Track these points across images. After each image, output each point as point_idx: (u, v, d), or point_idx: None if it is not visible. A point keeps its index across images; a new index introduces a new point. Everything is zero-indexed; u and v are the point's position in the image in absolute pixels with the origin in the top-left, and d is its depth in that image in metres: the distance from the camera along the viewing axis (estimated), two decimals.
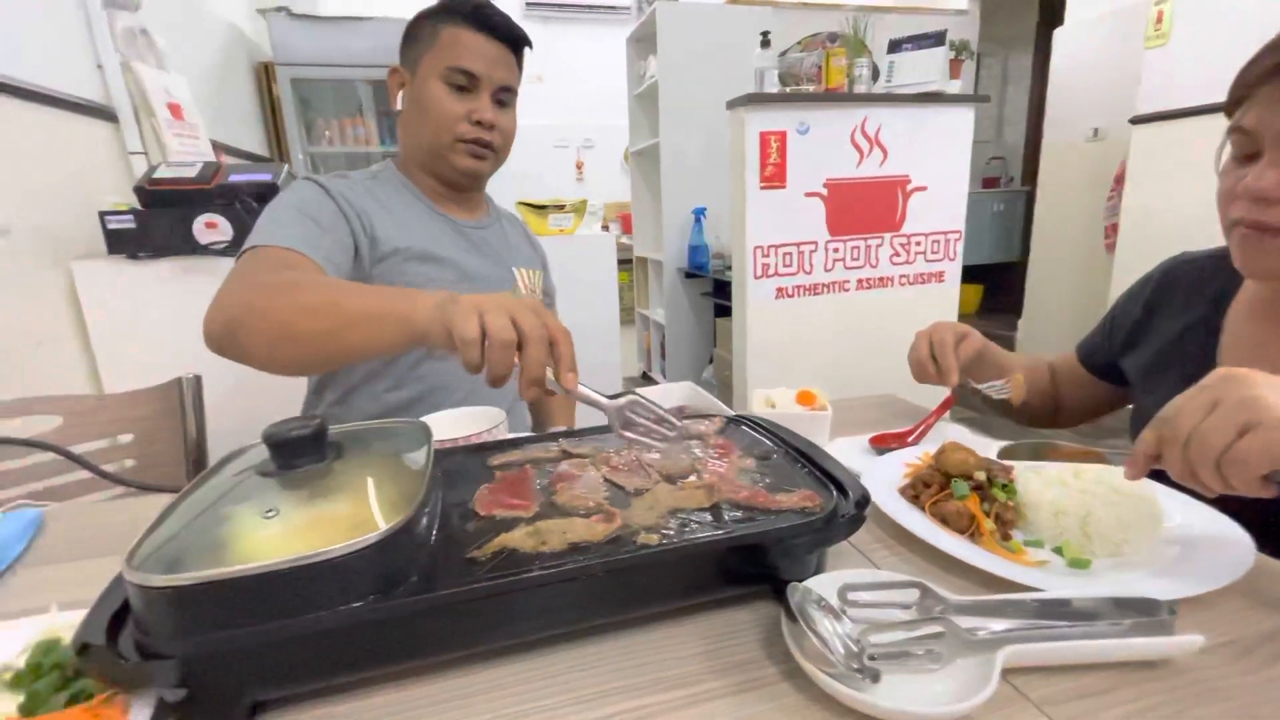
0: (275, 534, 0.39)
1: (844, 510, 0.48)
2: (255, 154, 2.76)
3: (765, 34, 2.08)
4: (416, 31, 0.93)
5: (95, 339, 1.45)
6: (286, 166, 1.57)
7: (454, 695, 0.41)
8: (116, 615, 0.39)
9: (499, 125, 0.95)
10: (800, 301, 2.18)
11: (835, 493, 0.50)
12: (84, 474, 0.91)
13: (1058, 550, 0.54)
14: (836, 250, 2.19)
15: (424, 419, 0.77)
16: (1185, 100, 2.51)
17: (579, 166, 5.29)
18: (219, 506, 0.42)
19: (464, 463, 0.61)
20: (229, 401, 1.14)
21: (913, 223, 2.25)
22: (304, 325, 0.62)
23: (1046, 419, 0.97)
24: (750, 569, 0.47)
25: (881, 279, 2.26)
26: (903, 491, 0.64)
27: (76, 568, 0.61)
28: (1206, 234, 0.74)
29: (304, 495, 0.43)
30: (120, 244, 1.41)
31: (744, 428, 0.66)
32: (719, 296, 3.23)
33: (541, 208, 1.88)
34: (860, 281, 2.24)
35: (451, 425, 0.74)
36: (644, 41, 3.34)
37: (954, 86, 2.20)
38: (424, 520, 0.44)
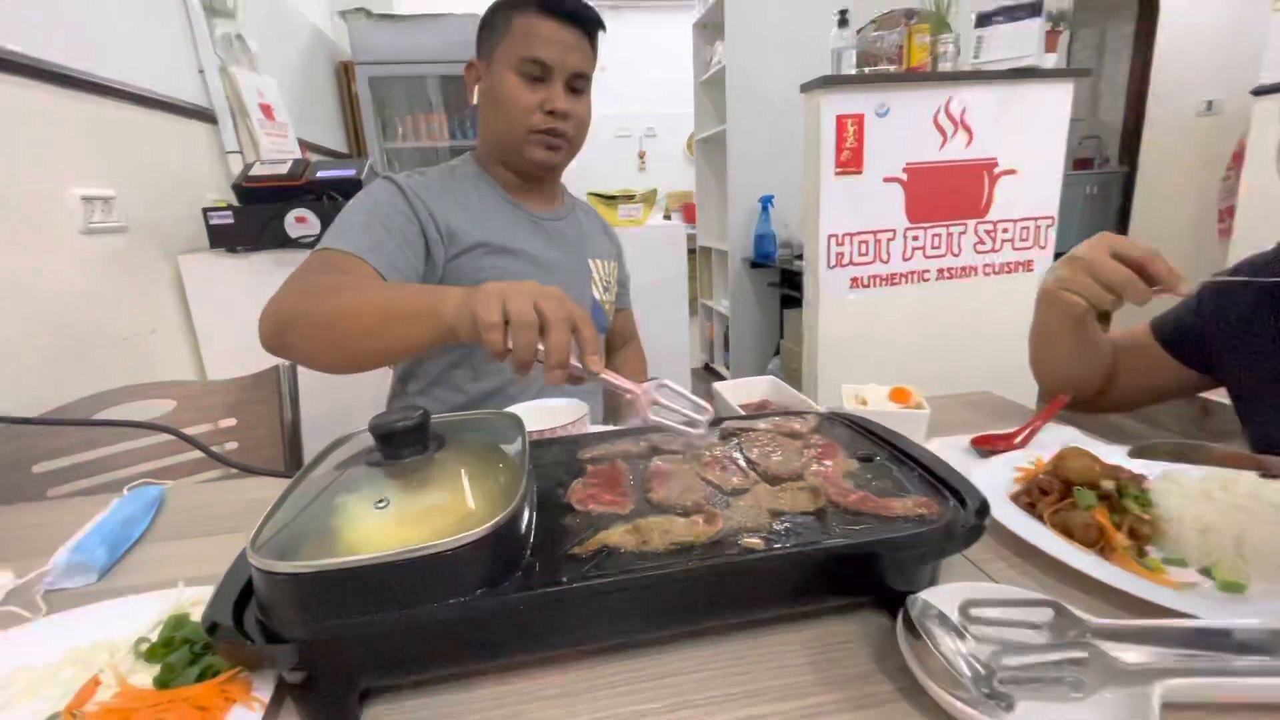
0: (388, 524, 0.39)
1: (963, 519, 0.45)
2: (336, 151, 2.89)
3: (843, 13, 1.99)
4: (490, 23, 0.93)
5: (199, 326, 1.56)
6: (369, 161, 1.63)
7: (557, 692, 0.40)
8: (240, 595, 0.40)
9: (573, 114, 0.93)
10: (876, 292, 2.09)
11: (952, 499, 0.47)
12: (193, 455, 0.98)
13: (1205, 571, 0.48)
14: (916, 238, 2.08)
15: (510, 409, 0.78)
16: None
17: (641, 156, 5.28)
18: (332, 494, 0.43)
19: (554, 455, 0.60)
20: (321, 389, 1.19)
21: (1000, 208, 2.11)
22: (343, 326, 0.64)
23: (1087, 401, 0.85)
24: (861, 578, 0.44)
25: (964, 268, 2.14)
26: (1015, 499, 0.59)
27: (195, 544, 0.64)
28: None
29: (411, 486, 0.43)
30: (221, 238, 1.50)
31: (841, 426, 0.63)
32: (786, 287, 3.15)
33: (611, 198, 1.88)
34: (941, 271, 2.12)
35: (537, 417, 0.74)
36: (711, 27, 3.28)
37: (1049, 60, 2.04)
38: (526, 513, 0.44)
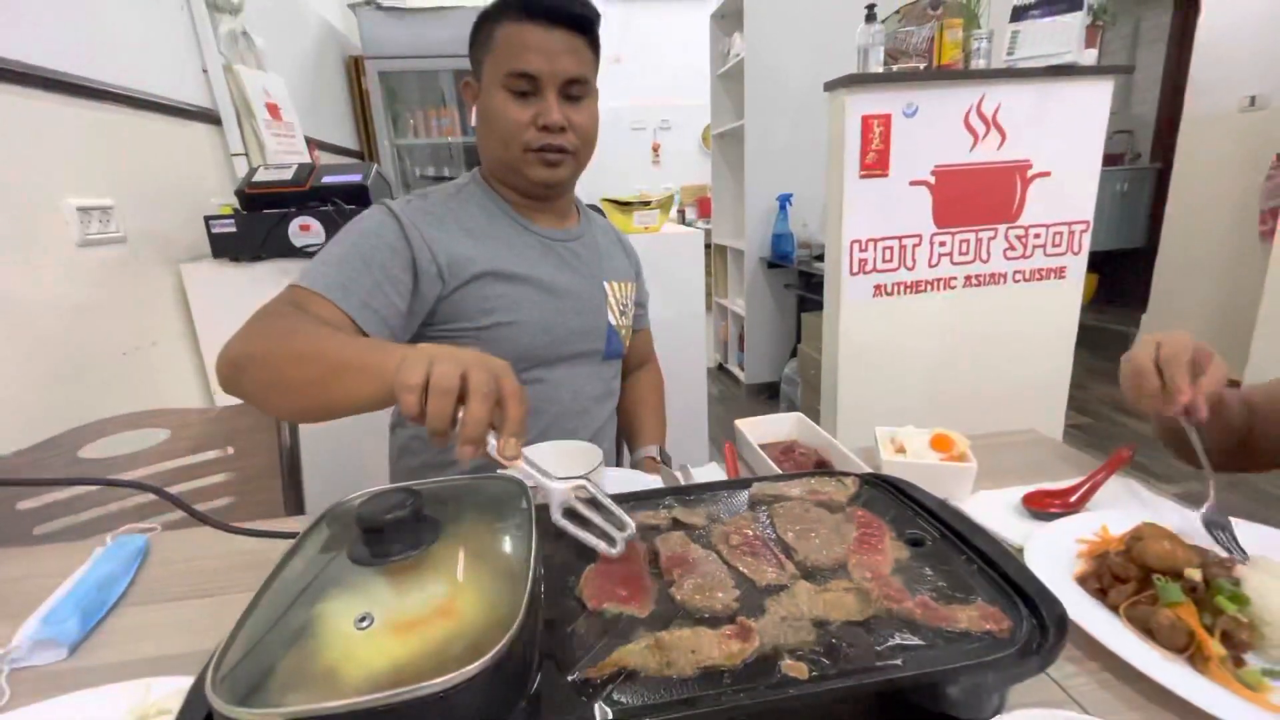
0: (371, 650, 0.34)
1: (1040, 640, 0.38)
2: (345, 148, 2.84)
3: (871, 7, 1.89)
4: (477, 37, 0.86)
5: (203, 338, 1.52)
6: (375, 166, 1.57)
7: None
8: None
9: (573, 124, 0.85)
10: (900, 300, 2.00)
11: (1022, 606, 0.41)
12: (186, 488, 0.93)
13: None
14: (943, 244, 1.99)
15: None
16: None
17: (655, 149, 5.18)
18: (308, 604, 0.37)
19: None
20: None
21: (1032, 212, 2.01)
22: (294, 374, 0.61)
23: (1227, 459, 0.77)
24: (919, 706, 0.38)
25: (993, 275, 2.05)
26: (1083, 582, 0.53)
27: (178, 610, 0.60)
28: None
29: (400, 595, 0.38)
30: (223, 247, 1.46)
31: (883, 492, 0.57)
32: (804, 289, 3.07)
33: (626, 204, 1.81)
34: (969, 278, 2.03)
35: (544, 465, 0.69)
36: (729, 18, 3.18)
37: (1089, 57, 1.93)
38: (532, 626, 0.38)
